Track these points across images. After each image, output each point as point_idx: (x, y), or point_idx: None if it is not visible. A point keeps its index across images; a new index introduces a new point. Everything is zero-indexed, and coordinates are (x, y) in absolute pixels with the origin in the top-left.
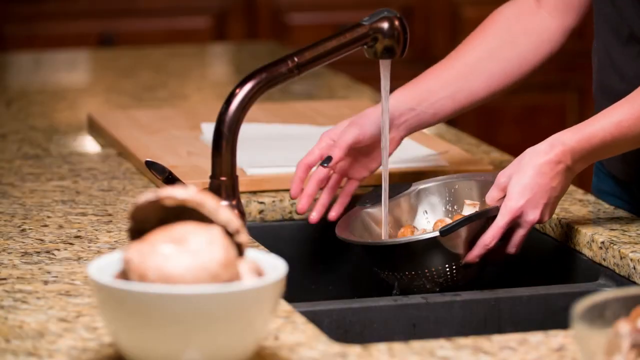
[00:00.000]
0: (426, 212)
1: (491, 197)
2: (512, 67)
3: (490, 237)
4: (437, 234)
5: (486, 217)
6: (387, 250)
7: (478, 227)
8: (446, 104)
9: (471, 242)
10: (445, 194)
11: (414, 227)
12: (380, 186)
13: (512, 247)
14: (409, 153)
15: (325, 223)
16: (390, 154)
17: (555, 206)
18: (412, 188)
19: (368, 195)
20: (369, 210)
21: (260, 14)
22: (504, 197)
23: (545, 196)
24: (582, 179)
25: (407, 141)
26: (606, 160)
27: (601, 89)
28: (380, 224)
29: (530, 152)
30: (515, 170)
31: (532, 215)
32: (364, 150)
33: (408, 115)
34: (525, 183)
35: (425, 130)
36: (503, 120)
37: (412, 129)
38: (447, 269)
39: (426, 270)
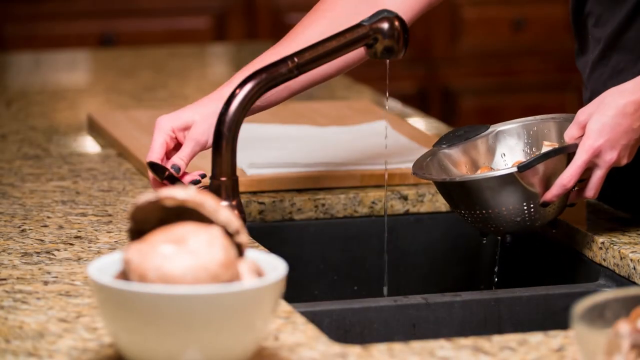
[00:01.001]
0: (504, 155)
1: (570, 134)
2: (350, 54)
3: (568, 176)
4: (514, 169)
5: (564, 153)
6: (462, 187)
7: (557, 165)
8: (281, 95)
9: (549, 181)
10: (523, 135)
11: (492, 168)
12: (460, 127)
13: (590, 190)
14: (409, 152)
15: (325, 223)
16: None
17: (635, 150)
18: (490, 130)
19: (445, 136)
20: (446, 151)
21: (260, 14)
22: (583, 135)
23: (625, 137)
24: None
25: (406, 140)
26: None
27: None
28: (458, 164)
29: (614, 90)
30: (596, 109)
31: (610, 156)
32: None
33: None
34: (605, 122)
35: (424, 130)
36: (502, 120)
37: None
38: (525, 208)
39: (503, 208)
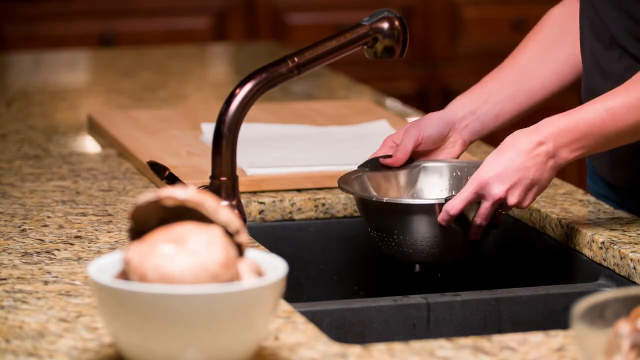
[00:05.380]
0: (422, 191)
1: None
2: (565, 67)
3: (452, 204)
4: (439, 200)
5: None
6: (384, 208)
7: (473, 207)
8: (507, 105)
9: (465, 220)
10: (446, 175)
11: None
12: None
13: (477, 218)
14: None
15: (325, 223)
16: (457, 157)
17: (529, 192)
18: (415, 163)
19: (370, 160)
20: (370, 174)
21: (260, 14)
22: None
23: (516, 174)
24: (579, 182)
25: None
26: (597, 164)
27: (589, 91)
28: (378, 189)
29: (515, 132)
30: (499, 146)
31: (497, 190)
32: (424, 152)
33: (469, 119)
34: (499, 155)
35: None
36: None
37: (477, 133)
38: (436, 239)
39: (419, 237)
